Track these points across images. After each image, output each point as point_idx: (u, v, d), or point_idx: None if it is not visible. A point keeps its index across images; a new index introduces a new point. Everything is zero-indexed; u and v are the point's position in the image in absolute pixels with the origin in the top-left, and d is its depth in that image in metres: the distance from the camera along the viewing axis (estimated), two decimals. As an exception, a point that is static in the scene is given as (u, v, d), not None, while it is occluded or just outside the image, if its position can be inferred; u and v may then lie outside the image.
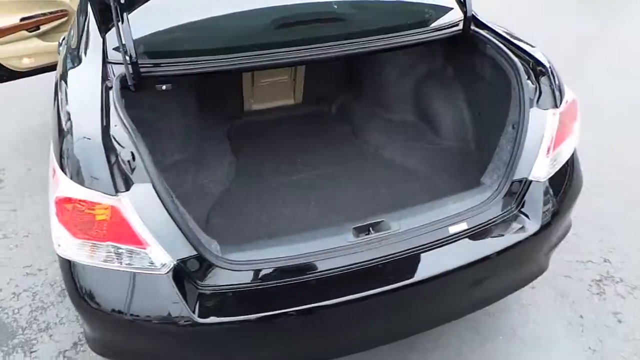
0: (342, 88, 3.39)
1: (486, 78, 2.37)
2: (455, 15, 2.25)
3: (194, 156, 2.71)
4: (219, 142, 2.90)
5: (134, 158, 1.54)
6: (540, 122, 1.89)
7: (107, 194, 1.49)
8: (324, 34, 2.08)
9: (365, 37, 2.11)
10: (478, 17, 2.33)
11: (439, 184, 2.46)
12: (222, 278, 1.61)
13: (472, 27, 2.25)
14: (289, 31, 2.07)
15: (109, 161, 1.50)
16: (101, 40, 1.95)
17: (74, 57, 2.02)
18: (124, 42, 1.76)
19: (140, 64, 1.82)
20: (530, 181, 1.89)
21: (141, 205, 1.51)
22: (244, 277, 1.62)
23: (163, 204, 1.52)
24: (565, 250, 2.86)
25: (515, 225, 1.87)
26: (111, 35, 1.93)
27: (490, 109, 2.36)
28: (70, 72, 1.92)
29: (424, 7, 2.35)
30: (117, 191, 1.49)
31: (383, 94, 3.04)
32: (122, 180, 1.51)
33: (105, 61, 1.88)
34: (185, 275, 1.58)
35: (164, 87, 1.98)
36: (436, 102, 2.78)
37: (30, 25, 3.39)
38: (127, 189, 1.51)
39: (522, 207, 1.89)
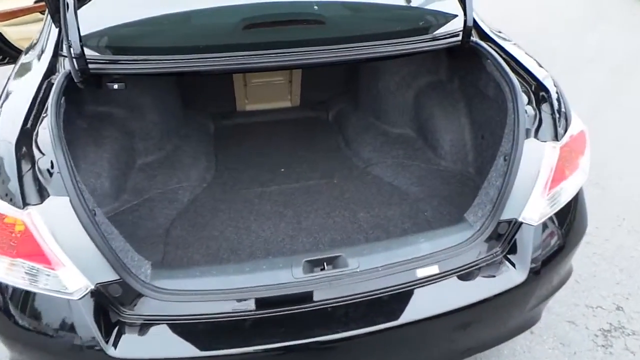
0: (341, 94, 3.16)
1: (492, 98, 2.10)
2: (459, 23, 1.98)
3: (169, 158, 2.54)
4: (199, 143, 2.72)
5: (53, 167, 1.38)
6: (537, 155, 1.62)
7: (15, 206, 1.33)
8: (301, 37, 1.87)
9: (349, 42, 1.87)
10: (481, 27, 2.05)
11: (425, 210, 2.21)
12: (148, 308, 1.44)
13: (473, 39, 1.98)
14: (262, 32, 1.86)
15: (20, 170, 1.34)
16: (56, 30, 1.79)
17: (30, 47, 1.88)
18: (68, 33, 1.60)
19: (90, 59, 1.65)
20: (521, 223, 1.63)
21: (55, 221, 1.34)
22: (172, 309, 1.44)
23: (80, 220, 1.35)
24: (574, 291, 2.56)
25: (498, 273, 1.61)
26: None
27: (496, 132, 2.09)
28: (19, 65, 1.78)
29: (424, 12, 2.08)
30: (26, 204, 1.32)
31: (381, 104, 2.79)
32: (36, 191, 1.35)
33: (58, 54, 1.72)
34: (107, 301, 1.41)
35: (115, 86, 1.81)
36: (437, 117, 2.52)
37: (43, 8, 3.38)
38: (41, 201, 1.34)
39: (509, 252, 1.63)
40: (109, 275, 1.39)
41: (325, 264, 1.54)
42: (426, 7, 2.06)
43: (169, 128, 2.60)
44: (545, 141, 1.64)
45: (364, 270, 1.51)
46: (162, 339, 1.42)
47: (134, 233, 2.10)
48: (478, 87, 2.21)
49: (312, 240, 2.08)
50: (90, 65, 1.65)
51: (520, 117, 1.63)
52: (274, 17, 1.86)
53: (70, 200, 1.35)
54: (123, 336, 1.39)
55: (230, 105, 3.08)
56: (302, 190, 2.41)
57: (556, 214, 1.66)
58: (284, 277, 1.49)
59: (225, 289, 1.45)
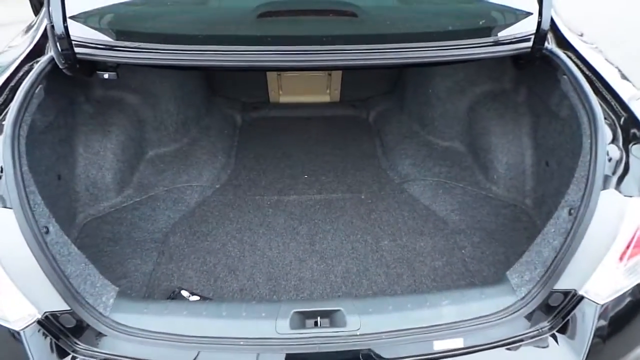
0: (386, 93, 2.79)
1: (565, 119, 1.67)
2: (531, 24, 1.56)
3: (183, 151, 2.32)
4: (220, 138, 2.47)
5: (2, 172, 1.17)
6: (616, 212, 1.21)
7: None
8: (331, 32, 1.54)
9: (389, 42, 1.52)
10: (559, 29, 1.62)
11: (464, 247, 1.84)
12: (105, 344, 1.22)
13: (548, 46, 1.55)
14: (287, 23, 1.55)
15: None
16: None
17: (31, 25, 1.69)
18: (50, 8, 1.37)
19: (78, 42, 1.42)
20: (582, 297, 1.24)
21: (-4, 237, 1.14)
22: (131, 350, 1.21)
23: (25, 238, 1.14)
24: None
25: (543, 355, 1.24)
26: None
27: (564, 162, 1.68)
28: (7, 44, 1.59)
29: (487, 8, 1.66)
30: None
31: (428, 110, 2.40)
32: None
33: (45, 35, 1.51)
34: (59, 333, 1.21)
35: (105, 75, 1.57)
36: (494, 133, 2.10)
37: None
38: None
39: (560, 330, 1.25)
40: (59, 304, 1.18)
41: (319, 318, 1.25)
42: (491, 0, 1.64)
43: (187, 118, 2.37)
44: (630, 196, 1.22)
45: (366, 334, 1.20)
46: None
47: (130, 234, 1.90)
48: (549, 104, 1.78)
49: (322, 268, 1.78)
50: (77, 50, 1.42)
51: (598, 159, 1.22)
52: (304, 5, 1.53)
53: (16, 214, 1.14)
54: (74, 375, 1.19)
55: (263, 96, 2.80)
56: (323, 203, 2.10)
57: (633, 291, 1.25)
58: (266, 330, 1.21)
59: (192, 336, 1.20)
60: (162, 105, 2.23)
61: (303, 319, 1.25)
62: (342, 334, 1.20)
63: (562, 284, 1.24)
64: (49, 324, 1.19)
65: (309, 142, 2.54)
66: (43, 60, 1.42)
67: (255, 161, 2.37)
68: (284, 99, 2.85)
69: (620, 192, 1.22)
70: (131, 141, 2.10)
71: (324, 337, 1.20)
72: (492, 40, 1.54)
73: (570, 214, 1.27)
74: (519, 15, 1.57)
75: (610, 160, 1.24)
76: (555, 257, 1.24)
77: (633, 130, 1.30)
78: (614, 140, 1.29)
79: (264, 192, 2.17)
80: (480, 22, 1.56)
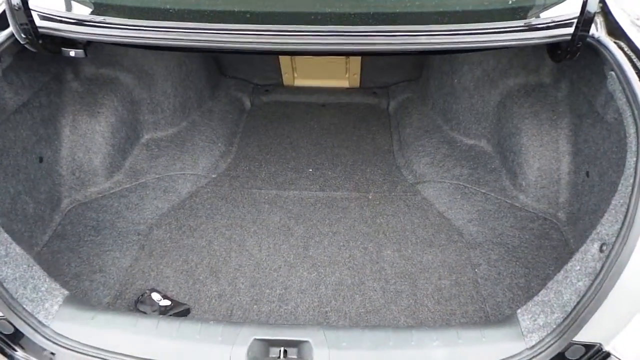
0: (409, 80, 2.51)
1: (611, 124, 1.38)
2: (575, 6, 1.26)
3: (180, 136, 2.16)
4: (222, 123, 2.30)
5: None
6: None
7: None
8: (338, 9, 1.31)
9: (404, 23, 1.28)
10: (612, 13, 1.31)
11: (478, 264, 1.59)
12: (42, 355, 1.09)
13: (595, 34, 1.26)
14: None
15: None
16: None
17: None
18: None
19: (40, 14, 1.27)
20: (607, 354, 0.99)
21: None
22: None
23: None
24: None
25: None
26: None
27: (607, 174, 1.40)
28: None
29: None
30: None
31: (453, 103, 2.12)
32: None
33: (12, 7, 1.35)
34: None
35: (72, 53, 1.41)
36: (526, 133, 1.82)
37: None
38: None
39: (577, 390, 1.02)
40: None
41: (284, 349, 1.07)
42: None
43: (187, 100, 2.20)
44: None
45: None
46: None
47: (114, 224, 1.78)
48: (594, 104, 1.48)
49: (313, 277, 1.59)
50: (39, 23, 1.27)
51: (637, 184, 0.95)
52: None
53: None
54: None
55: (277, 77, 2.60)
56: (325, 202, 1.90)
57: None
58: (218, 358, 1.04)
59: (132, 357, 1.05)
60: (158, 85, 2.07)
61: (264, 347, 1.08)
62: (306, 373, 1.02)
63: (585, 335, 1.00)
64: None
65: (320, 131, 2.32)
66: (1, 35, 1.28)
67: (259, 150, 2.19)
68: (299, 82, 2.64)
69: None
70: (122, 124, 1.96)
71: None
72: (524, 24, 1.26)
73: (601, 250, 1.01)
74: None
75: None
76: (579, 302, 0.99)
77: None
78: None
79: (263, 185, 1.99)
80: (511, 1, 1.28)
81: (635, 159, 1.02)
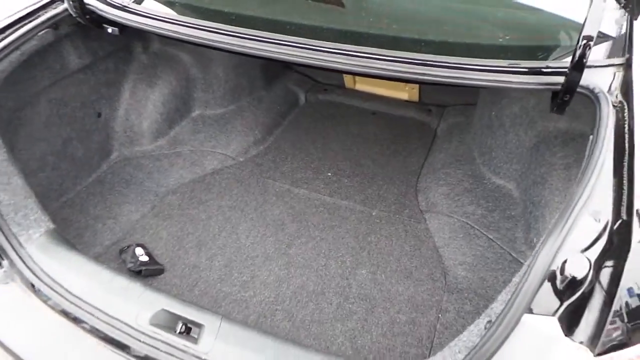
0: (466, 105, 2.36)
1: None
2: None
3: (225, 118, 2.33)
4: (267, 113, 2.42)
5: None
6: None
7: None
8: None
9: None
10: (631, 72, 1.10)
11: (446, 312, 1.49)
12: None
13: (590, 84, 1.08)
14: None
15: None
16: None
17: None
18: None
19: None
20: None
21: None
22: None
23: None
24: None
25: None
26: None
27: None
28: None
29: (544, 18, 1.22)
30: None
31: (488, 138, 1.95)
32: None
33: None
34: None
35: (109, 29, 1.62)
36: (550, 186, 1.62)
37: None
38: None
39: None
40: None
41: (183, 324, 1.15)
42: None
43: (237, 86, 2.37)
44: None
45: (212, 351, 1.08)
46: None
47: (142, 182, 2.01)
48: None
49: (282, 274, 1.65)
50: (87, 0, 1.51)
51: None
52: None
53: None
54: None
55: (339, 78, 2.64)
56: (328, 207, 1.92)
57: None
58: (127, 313, 1.17)
59: (72, 294, 1.21)
60: (212, 68, 2.27)
61: (170, 319, 1.17)
62: (188, 351, 1.10)
63: None
64: None
65: (357, 138, 2.33)
66: (60, 7, 1.54)
67: (291, 144, 2.28)
68: (359, 86, 2.65)
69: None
70: (173, 97, 2.20)
71: (169, 345, 1.11)
72: (532, 67, 1.13)
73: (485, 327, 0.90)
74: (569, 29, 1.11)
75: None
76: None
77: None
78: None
79: (279, 177, 2.08)
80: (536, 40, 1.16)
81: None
